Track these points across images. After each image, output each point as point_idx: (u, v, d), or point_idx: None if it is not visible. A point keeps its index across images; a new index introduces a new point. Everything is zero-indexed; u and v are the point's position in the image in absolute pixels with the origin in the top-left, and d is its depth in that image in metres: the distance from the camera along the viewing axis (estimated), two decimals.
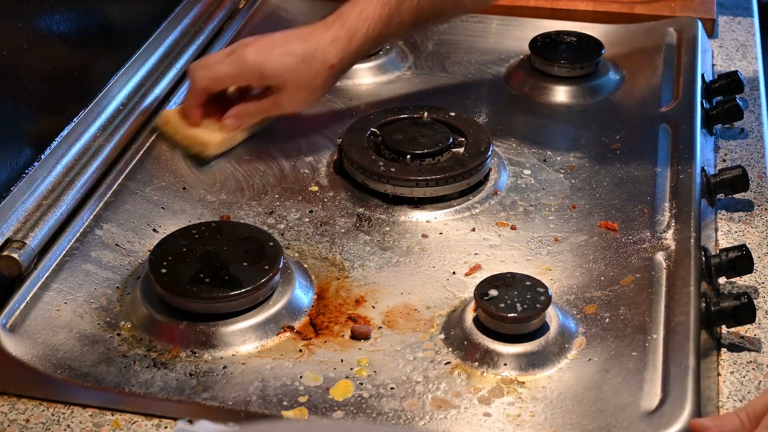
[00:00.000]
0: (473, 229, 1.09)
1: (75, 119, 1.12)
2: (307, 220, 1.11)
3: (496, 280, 0.95)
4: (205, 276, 0.96)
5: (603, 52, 1.35)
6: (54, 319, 0.95)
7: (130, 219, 1.08)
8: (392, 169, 1.13)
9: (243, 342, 0.94)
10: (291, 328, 0.96)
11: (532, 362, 0.91)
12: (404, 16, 1.16)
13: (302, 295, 0.99)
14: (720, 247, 1.05)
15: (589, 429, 0.86)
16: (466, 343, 0.93)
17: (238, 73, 1.17)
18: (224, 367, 0.92)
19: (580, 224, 1.10)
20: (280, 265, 0.98)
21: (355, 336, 0.95)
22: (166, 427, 0.88)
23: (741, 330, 0.98)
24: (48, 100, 1.09)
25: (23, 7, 1.03)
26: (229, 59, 1.17)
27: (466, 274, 1.03)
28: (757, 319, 0.97)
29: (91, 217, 1.05)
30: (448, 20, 1.43)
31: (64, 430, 0.88)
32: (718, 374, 0.93)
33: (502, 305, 0.92)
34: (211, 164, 1.19)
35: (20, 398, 0.90)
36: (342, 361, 0.93)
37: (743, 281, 1.03)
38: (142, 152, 1.16)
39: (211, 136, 1.18)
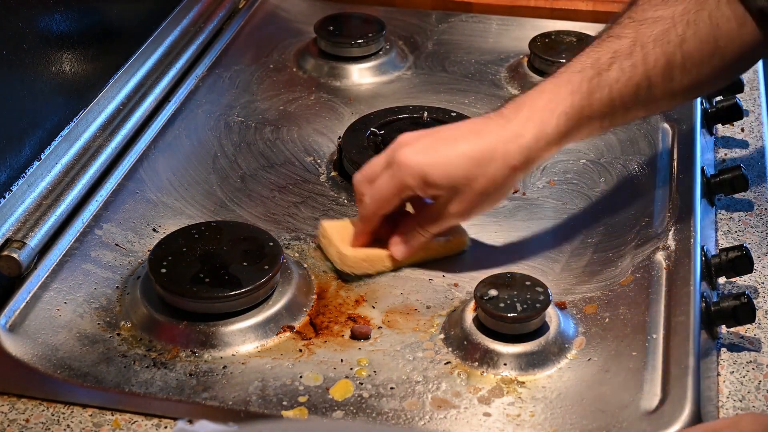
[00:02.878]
0: (472, 229, 1.09)
1: (75, 119, 1.13)
2: (307, 219, 1.11)
3: (496, 280, 0.95)
4: (205, 276, 0.96)
5: None
6: (54, 319, 0.95)
7: (130, 219, 1.08)
8: None
9: (243, 342, 0.94)
10: (291, 328, 0.96)
11: (532, 362, 0.91)
12: (595, 108, 0.95)
13: (302, 295, 0.99)
14: (720, 247, 1.05)
15: (589, 429, 0.86)
16: (465, 343, 0.93)
17: (401, 185, 0.97)
18: (224, 367, 0.92)
19: (579, 224, 1.10)
20: (280, 265, 0.98)
21: (355, 336, 0.95)
22: (166, 427, 0.88)
23: (741, 330, 0.98)
24: (48, 100, 1.09)
25: (23, 7, 1.03)
26: (389, 171, 0.97)
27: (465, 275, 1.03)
28: (757, 319, 0.97)
29: (91, 217, 1.05)
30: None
31: (64, 430, 0.88)
32: (718, 374, 0.93)
33: (502, 305, 0.92)
34: (211, 164, 1.19)
35: (20, 398, 0.90)
36: (342, 361, 0.92)
37: (743, 281, 1.03)
38: (141, 152, 1.16)
39: (371, 262, 1.03)
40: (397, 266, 1.03)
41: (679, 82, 0.96)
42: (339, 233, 1.03)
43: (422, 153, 0.96)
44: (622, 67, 0.95)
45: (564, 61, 1.32)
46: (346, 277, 1.02)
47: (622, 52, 0.95)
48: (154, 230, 1.07)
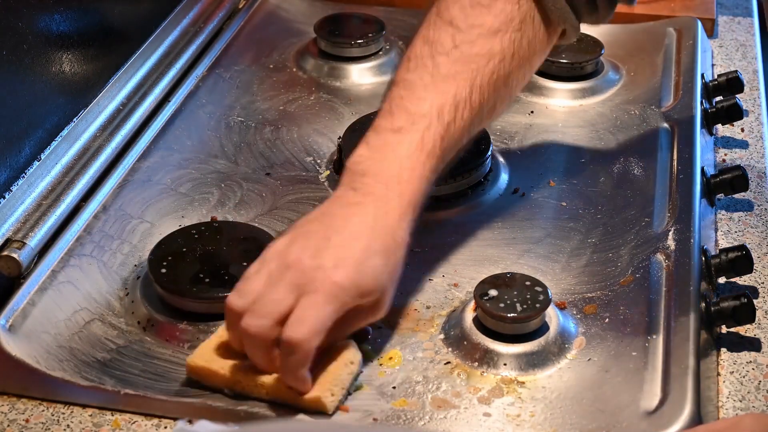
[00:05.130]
0: (472, 229, 1.09)
1: (75, 119, 1.13)
2: None
3: (496, 280, 0.95)
4: (204, 276, 0.96)
5: (603, 52, 1.35)
6: (54, 319, 0.95)
7: (129, 219, 1.08)
8: None
9: None
10: None
11: (531, 362, 0.91)
12: (445, 159, 0.96)
13: None
14: (720, 247, 1.05)
15: (589, 429, 0.86)
16: (465, 343, 0.93)
17: (340, 309, 0.86)
18: None
19: (579, 224, 1.10)
20: None
21: (355, 336, 0.95)
22: (166, 427, 0.88)
23: (741, 330, 0.98)
24: (48, 100, 1.09)
25: (23, 7, 1.03)
26: (312, 299, 0.85)
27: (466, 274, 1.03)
28: (757, 319, 0.97)
29: (91, 217, 1.05)
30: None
31: (64, 430, 0.88)
32: (718, 374, 0.93)
33: (502, 305, 0.92)
34: (211, 164, 1.19)
35: (20, 398, 0.90)
36: None
37: (743, 281, 1.03)
38: (141, 152, 1.16)
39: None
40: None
41: (501, 106, 1.02)
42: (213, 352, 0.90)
43: (342, 270, 0.86)
44: (464, 117, 0.95)
45: (564, 61, 1.33)
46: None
47: (461, 98, 0.95)
48: (154, 230, 1.07)
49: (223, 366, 0.88)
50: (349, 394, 0.88)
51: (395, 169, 0.92)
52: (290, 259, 0.87)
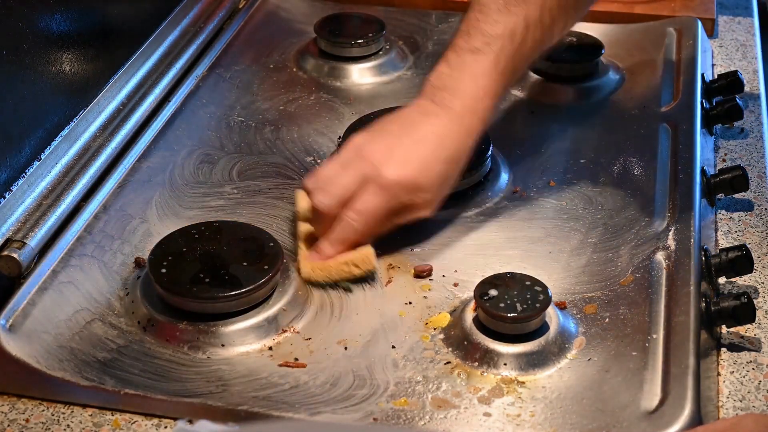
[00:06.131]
0: (472, 229, 1.09)
1: (75, 119, 1.13)
2: None
3: (496, 280, 0.95)
4: (205, 276, 0.96)
5: (603, 52, 1.35)
6: (54, 320, 0.95)
7: (129, 219, 1.08)
8: None
9: (243, 342, 0.94)
10: (291, 328, 0.96)
11: (532, 362, 0.91)
12: (516, 79, 1.08)
13: (302, 294, 0.99)
14: (720, 247, 1.05)
15: (589, 429, 0.86)
16: (466, 342, 0.93)
17: (395, 202, 1.00)
18: (224, 367, 0.92)
19: (579, 224, 1.10)
20: (281, 265, 0.98)
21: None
22: (166, 427, 0.88)
23: (741, 330, 0.98)
24: (48, 100, 1.09)
25: (23, 7, 1.03)
26: (372, 189, 0.99)
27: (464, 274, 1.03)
28: (757, 319, 0.97)
29: (91, 217, 1.05)
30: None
31: (64, 430, 0.88)
32: (718, 374, 0.93)
33: (502, 305, 0.92)
34: (211, 164, 1.19)
35: (20, 398, 0.90)
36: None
37: (743, 281, 1.03)
38: (141, 152, 1.16)
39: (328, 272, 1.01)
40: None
41: (570, 25, 1.12)
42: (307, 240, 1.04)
43: (406, 165, 1.00)
44: (535, 37, 1.04)
45: (564, 61, 1.33)
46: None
47: (532, 20, 1.04)
48: (154, 230, 1.07)
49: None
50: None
51: (472, 88, 1.03)
52: (364, 151, 1.01)
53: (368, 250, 1.01)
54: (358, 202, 0.99)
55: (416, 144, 1.01)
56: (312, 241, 1.03)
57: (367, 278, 1.01)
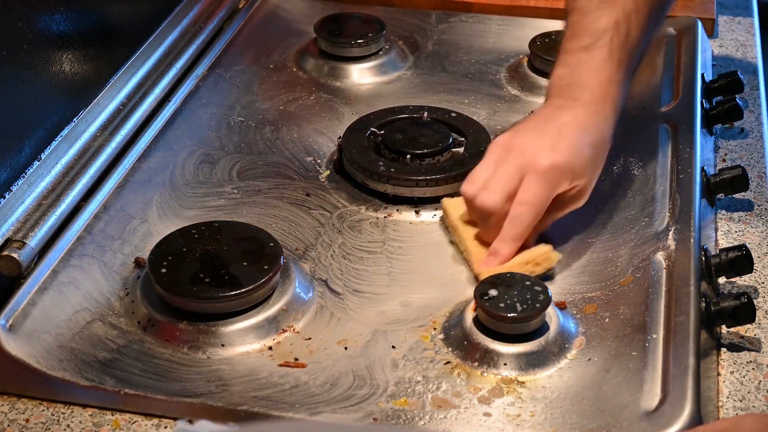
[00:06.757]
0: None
1: (75, 119, 1.13)
2: (307, 219, 1.11)
3: (496, 280, 0.95)
4: (205, 276, 0.96)
5: None
6: (54, 320, 0.95)
7: (129, 218, 1.08)
8: (392, 169, 1.13)
9: (243, 342, 0.94)
10: (291, 328, 0.96)
11: (532, 362, 0.91)
12: (633, 66, 1.09)
13: (302, 294, 0.99)
14: (720, 247, 1.05)
15: (589, 429, 0.86)
16: (466, 343, 0.93)
17: (554, 189, 1.02)
18: (224, 366, 0.92)
19: (579, 224, 1.10)
20: (280, 265, 0.98)
21: None
22: (166, 427, 0.88)
23: (741, 330, 0.98)
24: (48, 100, 1.09)
25: (23, 7, 1.03)
26: (532, 178, 1.00)
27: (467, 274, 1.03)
28: (757, 319, 0.97)
29: (91, 217, 1.05)
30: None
31: (64, 430, 0.88)
32: (718, 374, 0.93)
33: (502, 305, 0.92)
34: (211, 164, 1.19)
35: (20, 398, 0.90)
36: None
37: (743, 281, 1.03)
38: (141, 152, 1.16)
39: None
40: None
41: (670, 4, 1.16)
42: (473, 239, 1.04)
43: (557, 151, 1.01)
44: (638, 24, 1.08)
45: None
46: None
47: (630, 9, 1.07)
48: (154, 230, 1.07)
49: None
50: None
51: (595, 80, 1.05)
52: (512, 145, 1.03)
53: (547, 247, 1.01)
54: (522, 194, 1.00)
55: (561, 132, 1.02)
56: (479, 244, 1.03)
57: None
